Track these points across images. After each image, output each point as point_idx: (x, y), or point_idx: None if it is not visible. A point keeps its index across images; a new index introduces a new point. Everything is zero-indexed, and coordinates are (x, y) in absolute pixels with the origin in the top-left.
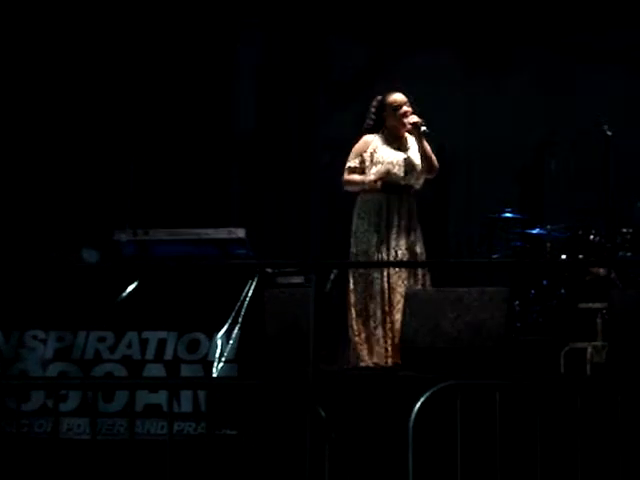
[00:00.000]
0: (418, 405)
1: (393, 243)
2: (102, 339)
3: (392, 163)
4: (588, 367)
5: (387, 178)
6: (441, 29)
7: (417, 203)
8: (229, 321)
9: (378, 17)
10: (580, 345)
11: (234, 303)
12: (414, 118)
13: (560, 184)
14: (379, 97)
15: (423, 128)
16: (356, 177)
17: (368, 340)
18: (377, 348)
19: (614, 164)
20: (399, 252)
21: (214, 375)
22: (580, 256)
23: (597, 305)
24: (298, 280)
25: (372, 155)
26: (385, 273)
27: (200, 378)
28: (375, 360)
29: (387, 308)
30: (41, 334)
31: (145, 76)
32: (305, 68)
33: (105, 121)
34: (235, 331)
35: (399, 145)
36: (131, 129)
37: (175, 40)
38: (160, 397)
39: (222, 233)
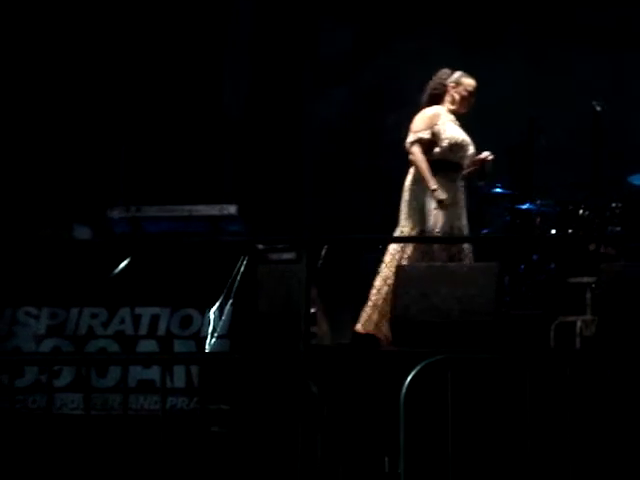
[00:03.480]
0: (409, 379)
1: (457, 222)
2: (95, 315)
3: (465, 139)
4: (578, 341)
5: (456, 157)
6: (429, 9)
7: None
8: (222, 297)
9: None
10: (570, 319)
11: (226, 279)
12: (490, 155)
13: (550, 159)
14: (447, 71)
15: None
16: (426, 171)
17: None
18: None
19: (604, 139)
20: (464, 231)
21: (207, 350)
22: (570, 231)
23: (586, 279)
24: (290, 256)
25: (442, 129)
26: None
27: (193, 353)
28: None
29: None
30: (34, 310)
31: (137, 55)
32: (294, 48)
33: (97, 98)
34: (227, 307)
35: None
36: (124, 106)
37: (166, 20)
38: (153, 372)
39: (214, 210)
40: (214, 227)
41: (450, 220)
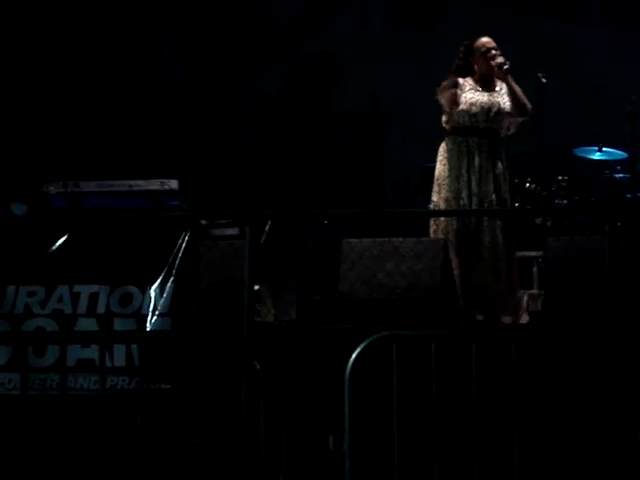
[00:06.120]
0: (354, 356)
1: (476, 189)
2: (32, 293)
3: (474, 104)
4: (525, 315)
5: (466, 120)
6: None
7: None
8: (163, 274)
9: None
10: None
11: (167, 256)
12: (499, 59)
13: None
14: (466, 41)
15: (506, 67)
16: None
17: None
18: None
19: (549, 111)
20: (485, 199)
21: (148, 329)
22: (516, 204)
23: (533, 253)
24: (233, 232)
25: (461, 97)
26: (467, 221)
27: (133, 332)
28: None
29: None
30: None
31: (74, 28)
32: (235, 20)
33: (34, 71)
34: (169, 284)
35: (488, 89)
36: (61, 80)
37: None
38: (93, 352)
39: (154, 184)
40: (155, 202)
41: (456, 190)
